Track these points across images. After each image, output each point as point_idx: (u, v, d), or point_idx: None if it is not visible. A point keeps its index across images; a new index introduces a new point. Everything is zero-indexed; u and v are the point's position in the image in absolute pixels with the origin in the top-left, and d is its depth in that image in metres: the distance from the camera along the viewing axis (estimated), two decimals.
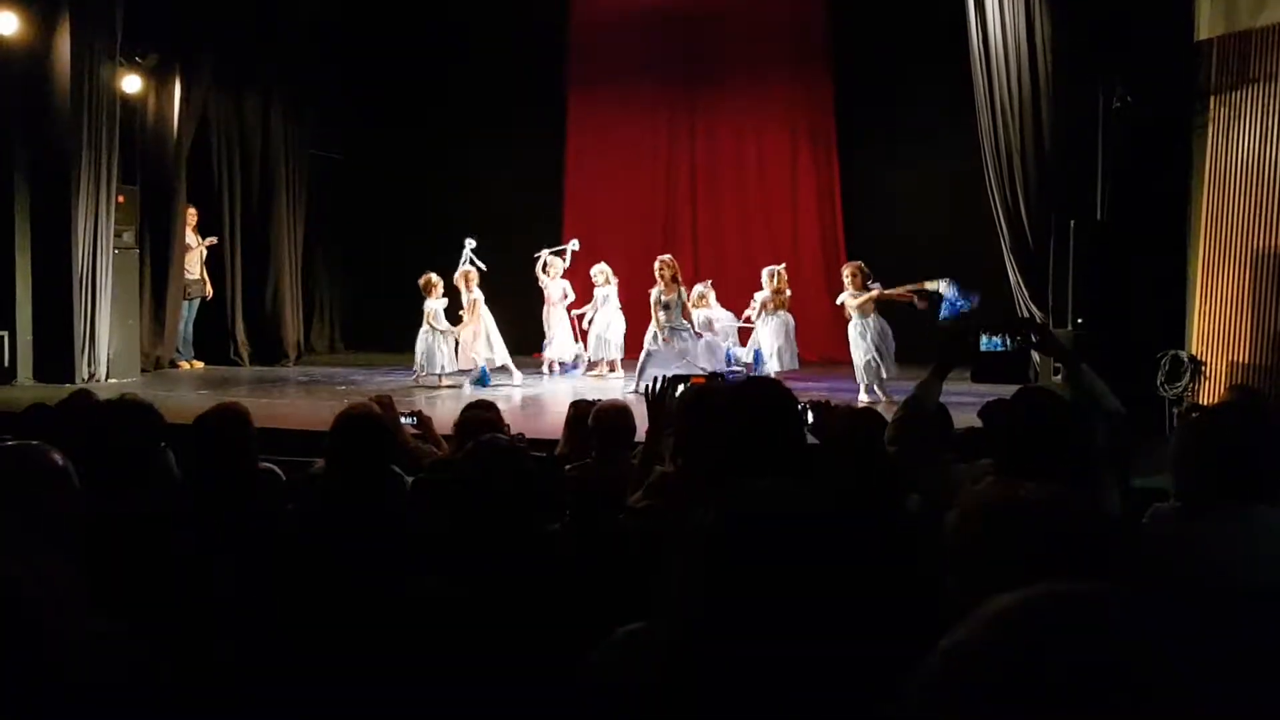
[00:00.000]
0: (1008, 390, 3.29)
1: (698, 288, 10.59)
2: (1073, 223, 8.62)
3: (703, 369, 9.42)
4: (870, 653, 1.48)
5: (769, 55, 13.17)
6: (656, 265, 10.22)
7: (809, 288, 11.95)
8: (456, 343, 10.52)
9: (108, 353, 10.32)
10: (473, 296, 10.57)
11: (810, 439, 3.32)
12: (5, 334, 9.87)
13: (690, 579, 1.58)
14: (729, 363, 9.86)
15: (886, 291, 9.35)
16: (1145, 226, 8.43)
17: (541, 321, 11.65)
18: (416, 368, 10.45)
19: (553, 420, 7.50)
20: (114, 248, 10.40)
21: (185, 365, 11.89)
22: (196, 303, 12.07)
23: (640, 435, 3.83)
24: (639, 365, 10.03)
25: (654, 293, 10.18)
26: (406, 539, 3.05)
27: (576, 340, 11.48)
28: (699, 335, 10.28)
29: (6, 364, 9.85)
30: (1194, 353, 8.13)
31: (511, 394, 9.94)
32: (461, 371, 10.61)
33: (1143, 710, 0.89)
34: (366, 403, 3.95)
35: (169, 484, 3.29)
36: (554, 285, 11.56)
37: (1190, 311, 8.42)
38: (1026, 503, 1.71)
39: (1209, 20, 7.95)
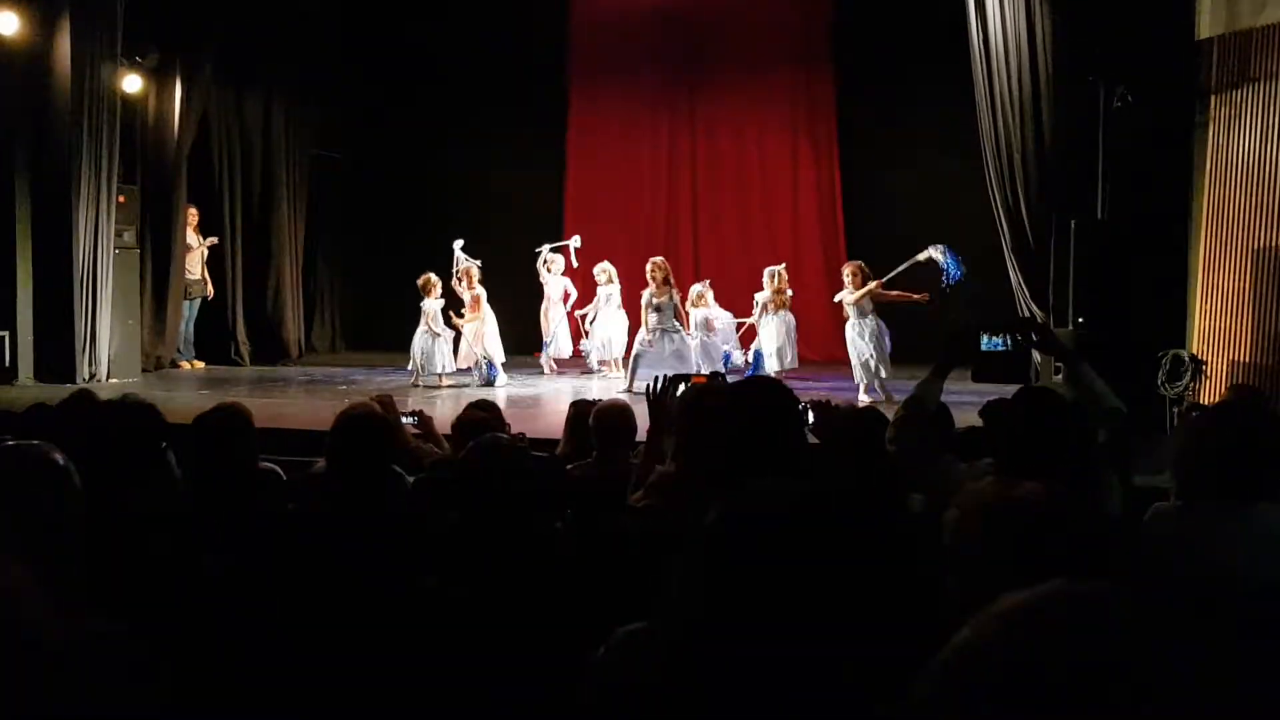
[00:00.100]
0: (1008, 390, 3.30)
1: (696, 287, 10.59)
2: (1073, 222, 8.63)
3: (698, 367, 9.46)
4: (871, 653, 1.48)
5: (769, 55, 13.17)
6: (648, 267, 10.26)
7: (809, 288, 11.94)
8: (456, 343, 10.52)
9: (108, 353, 10.32)
10: (475, 293, 10.57)
11: (810, 439, 3.32)
12: (6, 334, 9.87)
13: (691, 579, 1.58)
14: (726, 366, 9.86)
15: (888, 293, 9.35)
16: (1146, 226, 8.44)
17: (540, 321, 11.65)
18: (413, 368, 10.44)
19: (552, 420, 7.50)
20: (115, 248, 10.40)
21: (186, 365, 11.89)
22: (198, 302, 12.08)
23: (641, 435, 3.83)
24: (630, 365, 10.07)
25: (645, 294, 10.21)
26: (408, 539, 3.05)
27: (583, 337, 11.48)
28: (697, 336, 10.29)
29: (7, 364, 9.85)
30: (1194, 352, 8.13)
31: (510, 393, 9.93)
32: (462, 371, 10.61)
33: (1144, 710, 0.89)
34: (367, 402, 3.95)
35: (170, 484, 3.29)
36: (554, 282, 11.56)
37: (1191, 311, 8.43)
38: (1026, 502, 1.71)
39: (1210, 19, 7.95)
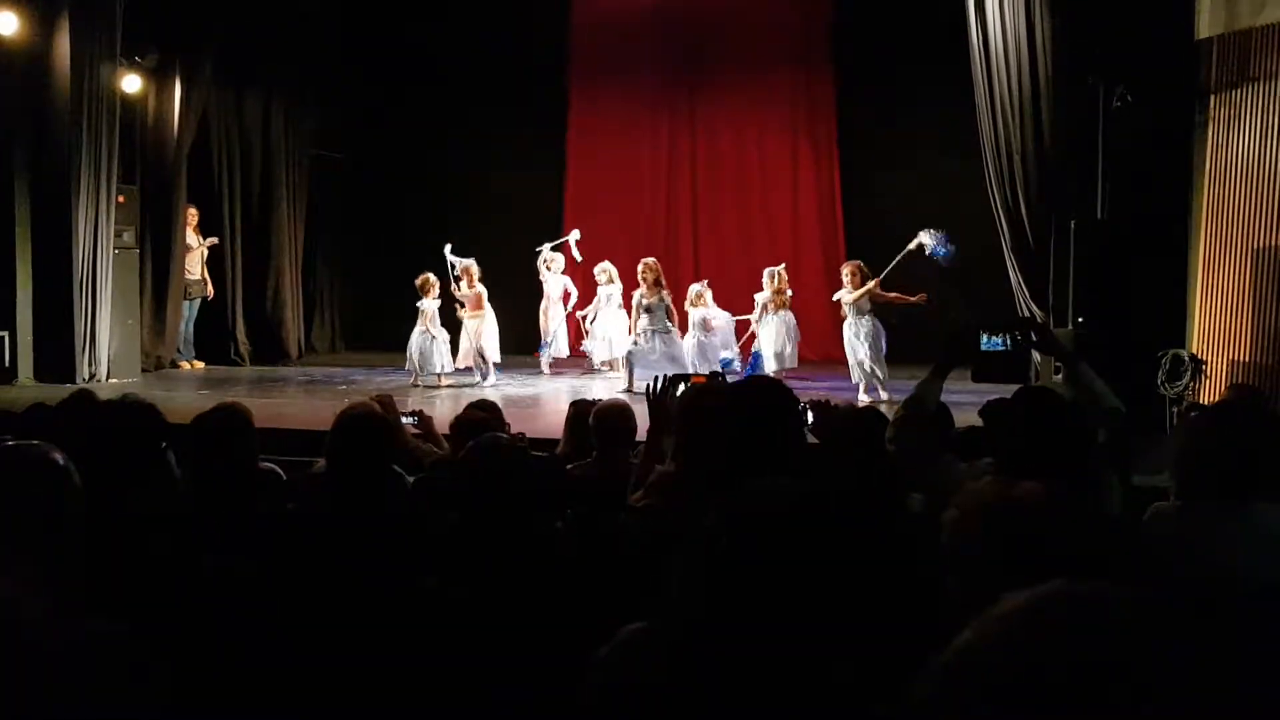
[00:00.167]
0: (1008, 390, 3.30)
1: (695, 287, 10.60)
2: (1073, 222, 8.63)
3: (694, 367, 9.49)
4: (872, 652, 1.48)
5: (769, 55, 13.17)
6: (639, 268, 10.29)
7: (809, 287, 11.95)
8: (454, 343, 10.52)
9: (108, 353, 10.32)
10: (476, 290, 10.57)
11: (810, 439, 3.32)
12: (6, 334, 9.87)
13: (693, 579, 1.58)
14: (723, 370, 9.87)
15: (886, 294, 9.35)
16: (1146, 226, 8.44)
17: (540, 319, 11.64)
18: (410, 368, 10.43)
19: (551, 420, 7.50)
20: (114, 248, 10.40)
21: (186, 365, 11.89)
22: (198, 302, 12.08)
23: (641, 435, 3.83)
24: (625, 366, 10.09)
25: (635, 295, 10.22)
26: (408, 539, 3.05)
27: (584, 337, 11.49)
28: (695, 336, 10.30)
29: (7, 364, 9.85)
30: (1194, 352, 8.13)
31: (510, 393, 9.93)
32: (461, 370, 10.61)
33: (1144, 710, 0.89)
34: (367, 402, 3.95)
35: (170, 484, 3.28)
36: (554, 281, 11.57)
37: (1190, 310, 8.43)
38: (1025, 502, 1.71)
39: (1209, 19, 7.95)
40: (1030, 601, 0.98)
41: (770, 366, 9.91)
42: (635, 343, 10.12)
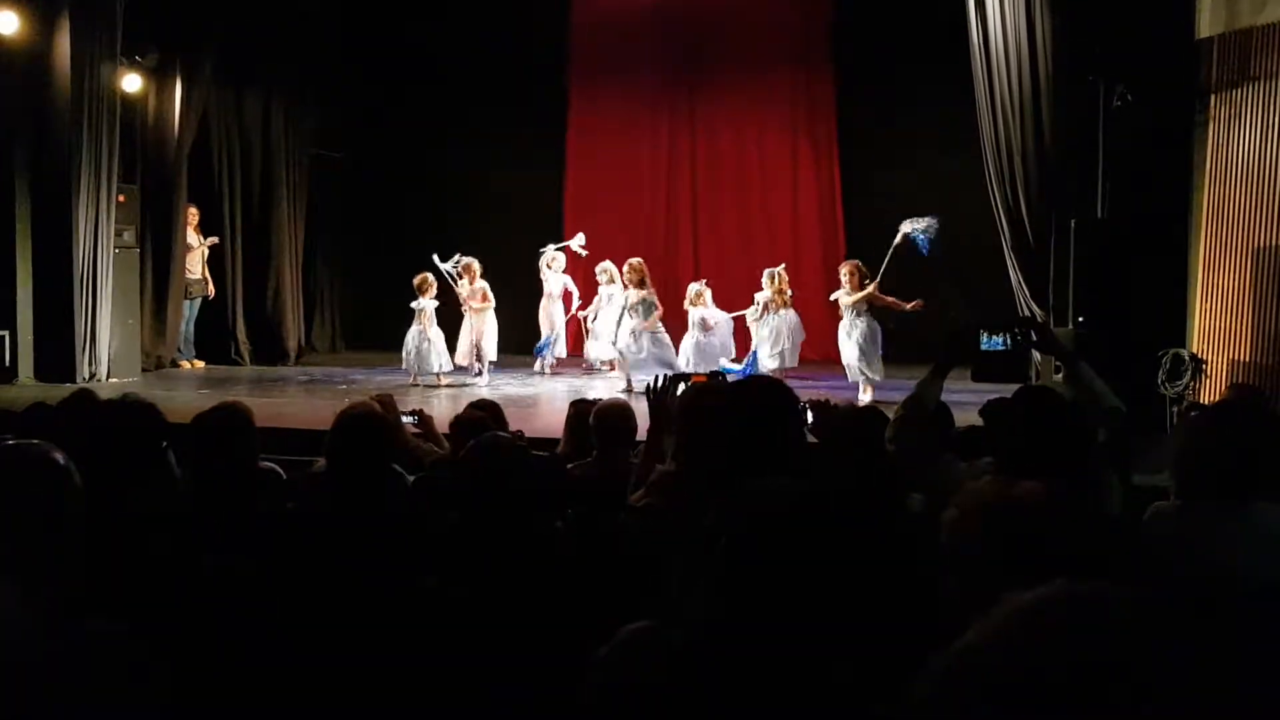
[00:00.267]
0: (1008, 389, 3.29)
1: (694, 286, 10.61)
2: (1073, 221, 8.62)
3: (692, 366, 9.51)
4: (873, 652, 1.48)
5: (769, 55, 13.16)
6: (624, 269, 10.30)
7: (809, 287, 11.94)
8: (455, 341, 10.52)
9: (108, 352, 10.32)
10: (479, 286, 10.56)
11: (810, 438, 3.32)
12: (6, 333, 9.87)
13: (694, 579, 1.58)
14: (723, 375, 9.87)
15: (884, 297, 9.34)
16: (1146, 225, 8.44)
17: (538, 319, 11.64)
18: (406, 367, 10.43)
19: (550, 420, 7.50)
20: (115, 247, 10.40)
21: (186, 365, 11.89)
22: (198, 302, 12.08)
23: (641, 434, 3.83)
24: (620, 367, 10.11)
25: (623, 297, 10.24)
26: (408, 538, 3.05)
27: (586, 337, 11.50)
28: (694, 336, 10.31)
29: (7, 363, 9.85)
30: (1194, 351, 8.13)
31: (510, 393, 9.93)
32: (460, 369, 10.61)
33: (1144, 710, 0.89)
34: (367, 402, 3.95)
35: (170, 484, 3.28)
36: (555, 280, 11.57)
37: (1191, 310, 8.43)
38: (1025, 501, 1.71)
39: (1210, 18, 7.95)
40: (1030, 602, 0.98)
41: (768, 366, 9.91)
42: (627, 344, 10.14)
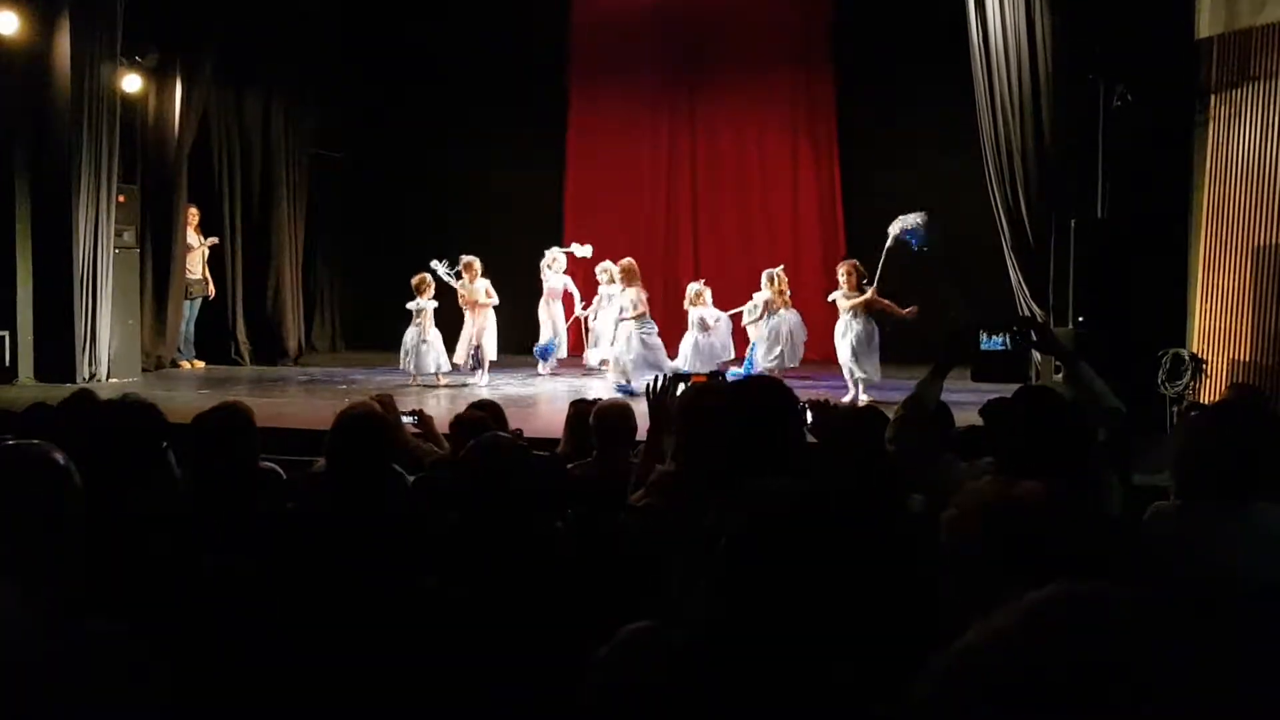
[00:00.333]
0: (1008, 389, 3.29)
1: (694, 286, 10.63)
2: (1073, 221, 8.62)
3: (691, 365, 9.53)
4: (873, 652, 1.48)
5: (769, 55, 13.16)
6: (619, 269, 10.35)
7: (809, 287, 11.94)
8: (455, 339, 10.52)
9: (108, 352, 10.33)
10: (481, 285, 10.55)
11: (810, 438, 3.32)
12: (6, 334, 9.87)
13: (694, 579, 1.58)
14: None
15: (881, 300, 9.34)
16: (1146, 225, 8.43)
17: (538, 319, 11.64)
18: (405, 367, 10.42)
19: (549, 420, 7.50)
20: (115, 247, 10.41)
21: (186, 365, 11.89)
22: (199, 302, 12.08)
23: (641, 434, 3.83)
24: (627, 365, 10.12)
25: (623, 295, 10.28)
26: (408, 539, 3.05)
27: (586, 345, 11.51)
28: (693, 335, 10.31)
29: (7, 364, 9.85)
30: (1195, 351, 8.13)
31: (509, 393, 9.93)
32: (458, 367, 10.60)
33: (1144, 710, 0.89)
34: (367, 402, 3.95)
35: (170, 484, 3.28)
36: (555, 280, 11.57)
37: (1191, 310, 8.43)
38: (1025, 501, 1.71)
39: (1209, 18, 7.94)
40: (1030, 602, 0.98)
41: (765, 366, 9.92)
42: (621, 349, 10.18)
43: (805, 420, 3.45)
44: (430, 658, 2.45)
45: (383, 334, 12.69)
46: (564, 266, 11.64)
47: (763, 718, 1.48)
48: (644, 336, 10.11)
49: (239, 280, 12.71)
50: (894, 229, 9.44)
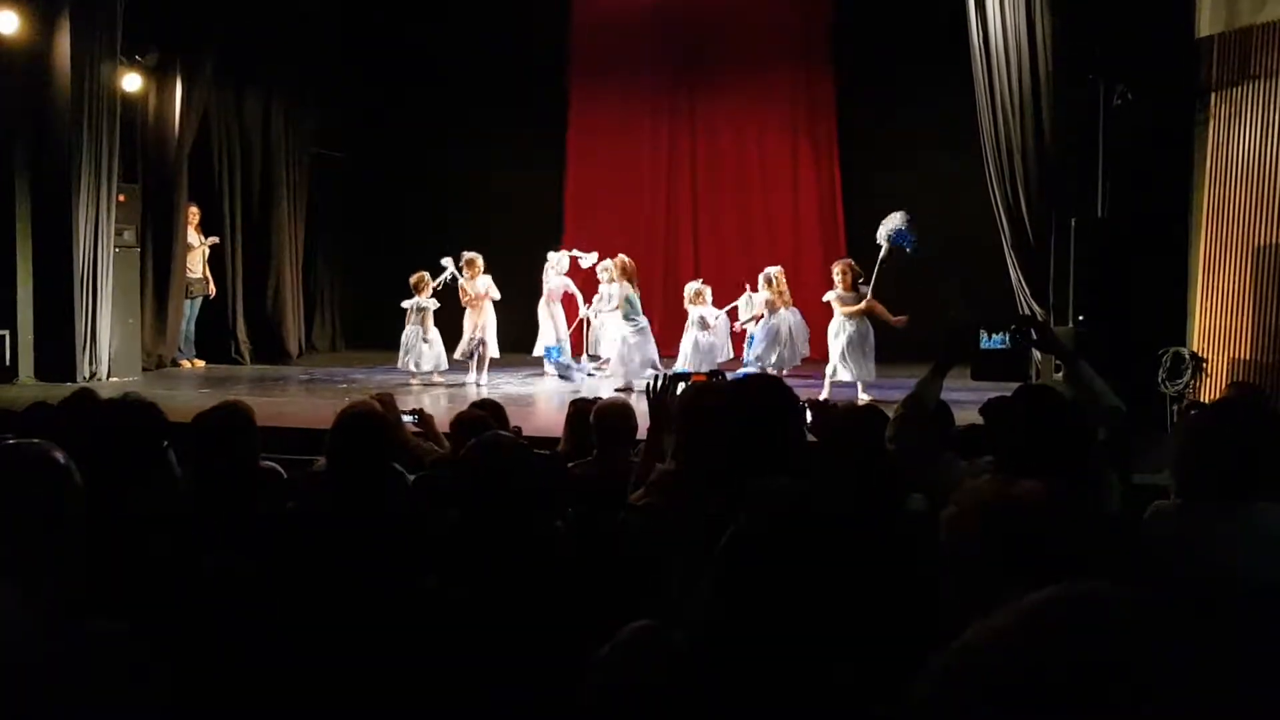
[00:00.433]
0: (1008, 388, 3.29)
1: (693, 285, 10.62)
2: (1073, 220, 8.62)
3: (691, 363, 9.55)
4: (873, 652, 1.48)
5: (769, 55, 13.16)
6: (618, 264, 10.38)
7: (809, 287, 11.93)
8: (456, 336, 10.52)
9: (109, 351, 10.33)
10: (483, 282, 10.54)
11: (810, 438, 3.32)
12: (6, 333, 9.87)
13: (705, 580, 1.58)
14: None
15: (875, 305, 9.34)
16: (1146, 223, 8.43)
17: (538, 319, 11.64)
18: (403, 366, 10.41)
19: (548, 419, 7.50)
20: (115, 246, 10.41)
21: (187, 364, 11.89)
22: (199, 301, 12.08)
23: (641, 433, 3.83)
24: (613, 364, 10.15)
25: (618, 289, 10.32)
26: (408, 538, 3.05)
27: (587, 329, 11.53)
28: (693, 334, 10.32)
29: (8, 363, 9.85)
30: (1195, 349, 8.12)
31: (508, 392, 9.92)
32: (457, 363, 10.58)
33: (1144, 710, 0.89)
34: (368, 401, 3.95)
35: (171, 483, 3.28)
36: (556, 281, 11.56)
37: (1191, 308, 8.42)
38: (1024, 500, 1.70)
39: (1210, 17, 7.94)
40: (1030, 602, 0.98)
41: (762, 365, 9.93)
42: (615, 346, 10.21)
43: (805, 420, 3.45)
44: (430, 658, 2.45)
45: (383, 333, 12.70)
46: (565, 268, 11.64)
47: (763, 718, 1.48)
48: (628, 331, 10.11)
49: (239, 279, 12.71)
50: (883, 237, 9.42)
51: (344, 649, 2.60)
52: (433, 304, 10.38)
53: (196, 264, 11.94)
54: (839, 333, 9.30)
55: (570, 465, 4.18)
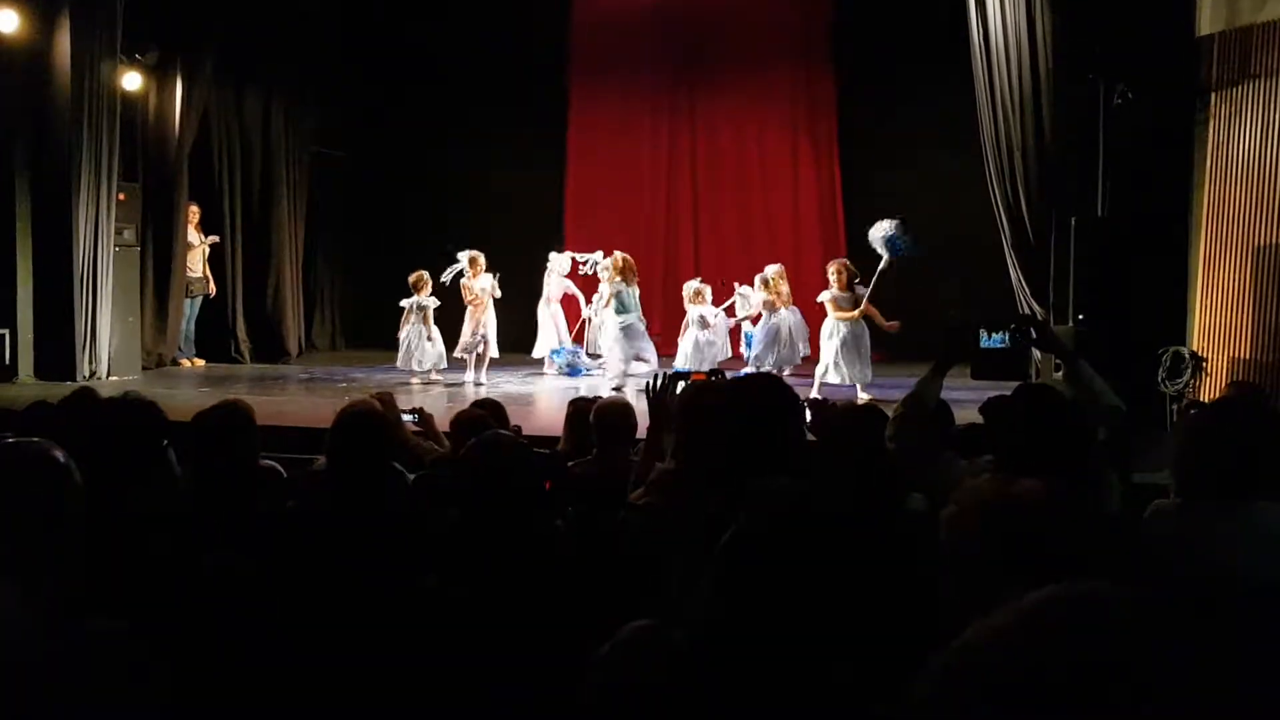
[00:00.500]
0: (1008, 387, 3.29)
1: (693, 284, 10.63)
2: (1074, 219, 8.62)
3: (691, 362, 9.54)
4: (873, 652, 1.48)
5: (769, 54, 13.17)
6: (618, 261, 10.40)
7: (808, 286, 11.92)
8: (456, 334, 10.52)
9: (109, 350, 10.33)
10: (486, 280, 10.54)
11: (810, 438, 3.31)
12: (6, 332, 9.87)
13: (705, 579, 1.58)
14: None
15: (871, 310, 9.34)
16: (1146, 223, 8.43)
17: (538, 319, 11.64)
18: (411, 365, 10.40)
19: (547, 419, 7.50)
20: (115, 245, 10.41)
21: (186, 363, 11.89)
22: (199, 300, 12.08)
23: (641, 432, 3.83)
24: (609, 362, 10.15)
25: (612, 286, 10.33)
26: (408, 537, 3.05)
27: (586, 326, 11.53)
28: (692, 334, 10.31)
29: (8, 362, 9.85)
30: (1195, 349, 8.12)
31: (508, 391, 9.92)
32: (456, 361, 10.58)
33: (1144, 710, 0.89)
34: (367, 400, 3.95)
35: (171, 482, 3.28)
36: (556, 282, 11.57)
37: (1191, 307, 8.42)
38: (1024, 499, 1.70)
39: (1210, 16, 7.93)
40: (1030, 601, 0.98)
41: (759, 364, 9.93)
42: (608, 344, 10.23)
43: (805, 419, 3.45)
44: (430, 657, 2.45)
45: (383, 333, 12.70)
46: (566, 270, 11.63)
47: (763, 717, 1.48)
48: (614, 327, 10.10)
49: (239, 278, 12.71)
50: (879, 245, 9.38)
51: (344, 648, 2.60)
52: (432, 303, 10.38)
53: (196, 263, 11.94)
54: (833, 334, 9.30)
55: (570, 464, 4.18)
